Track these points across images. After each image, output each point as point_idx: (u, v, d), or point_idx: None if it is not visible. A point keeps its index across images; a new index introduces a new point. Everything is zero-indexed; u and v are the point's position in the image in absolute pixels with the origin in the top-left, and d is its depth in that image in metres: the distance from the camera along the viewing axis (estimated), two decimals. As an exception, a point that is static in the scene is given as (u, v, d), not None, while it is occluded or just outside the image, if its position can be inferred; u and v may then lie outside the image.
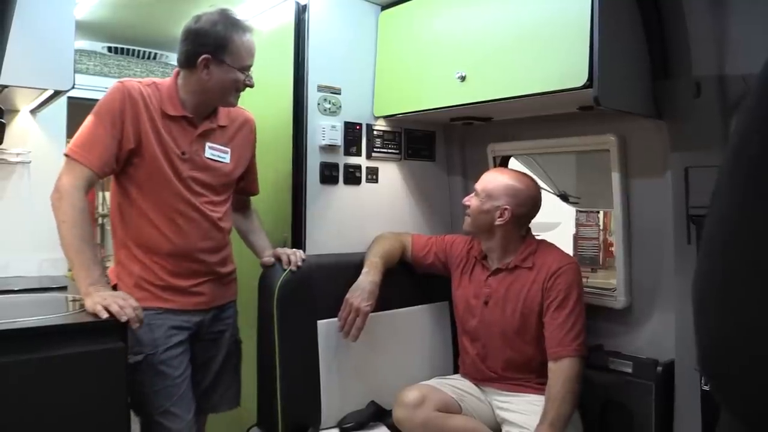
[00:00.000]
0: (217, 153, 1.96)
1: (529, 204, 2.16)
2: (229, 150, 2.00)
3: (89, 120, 1.80)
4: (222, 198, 2.01)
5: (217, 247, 2.00)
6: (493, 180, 2.18)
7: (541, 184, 2.90)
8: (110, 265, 2.11)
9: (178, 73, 1.92)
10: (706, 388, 1.83)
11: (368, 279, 2.13)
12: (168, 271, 1.90)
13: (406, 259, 2.35)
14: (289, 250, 2.11)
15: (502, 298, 2.13)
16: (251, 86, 1.94)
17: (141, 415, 1.88)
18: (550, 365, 1.98)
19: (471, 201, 2.19)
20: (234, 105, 1.97)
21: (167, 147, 1.85)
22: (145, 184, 1.85)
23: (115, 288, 1.85)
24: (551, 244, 2.20)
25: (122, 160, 1.82)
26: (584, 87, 1.71)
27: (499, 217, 2.12)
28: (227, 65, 1.86)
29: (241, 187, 2.13)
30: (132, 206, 1.87)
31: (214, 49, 1.84)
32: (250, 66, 1.92)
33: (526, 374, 2.08)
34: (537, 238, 2.23)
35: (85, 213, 1.74)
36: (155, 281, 1.88)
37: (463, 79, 2.07)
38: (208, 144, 1.94)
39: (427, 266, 2.35)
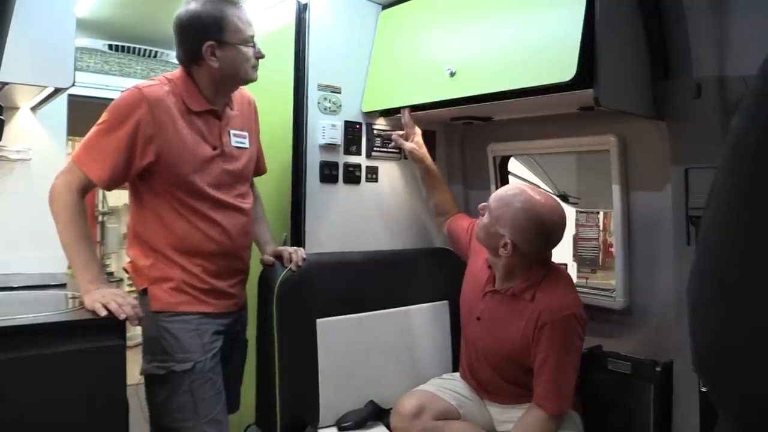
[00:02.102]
0: (240, 139, 1.94)
1: (540, 242, 1.91)
2: (246, 134, 1.98)
3: (98, 125, 1.74)
4: (247, 187, 1.99)
5: (251, 242, 2.00)
6: (504, 204, 1.92)
7: (540, 184, 2.92)
8: (110, 262, 2.11)
9: (186, 71, 1.86)
10: (705, 389, 1.83)
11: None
12: (210, 272, 1.85)
13: (440, 222, 2.41)
14: (290, 249, 2.10)
15: (494, 322, 1.99)
16: (263, 56, 1.90)
17: (183, 425, 1.78)
18: (531, 404, 1.86)
19: (483, 213, 1.99)
20: (255, 79, 1.92)
21: (198, 147, 1.81)
22: (179, 188, 1.79)
23: (145, 292, 1.81)
24: (559, 278, 1.95)
25: (137, 171, 1.76)
26: (573, 82, 1.69)
27: (502, 247, 1.91)
28: (231, 44, 1.81)
29: None
30: (171, 210, 1.80)
31: (213, 33, 1.79)
32: (253, 36, 1.87)
33: (520, 389, 1.97)
34: (551, 263, 2.01)
35: (79, 212, 1.71)
36: (198, 284, 1.83)
37: (452, 74, 2.07)
38: (231, 132, 1.92)
39: (455, 235, 2.33)
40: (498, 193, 1.98)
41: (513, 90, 1.88)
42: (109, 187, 1.78)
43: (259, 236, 2.15)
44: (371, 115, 2.46)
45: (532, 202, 1.89)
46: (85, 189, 1.73)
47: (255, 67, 1.90)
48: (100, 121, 1.74)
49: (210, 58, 1.80)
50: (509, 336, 1.93)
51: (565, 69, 1.69)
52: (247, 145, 1.97)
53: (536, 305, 1.88)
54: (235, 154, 1.91)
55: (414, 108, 2.31)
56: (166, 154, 1.76)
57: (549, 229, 1.91)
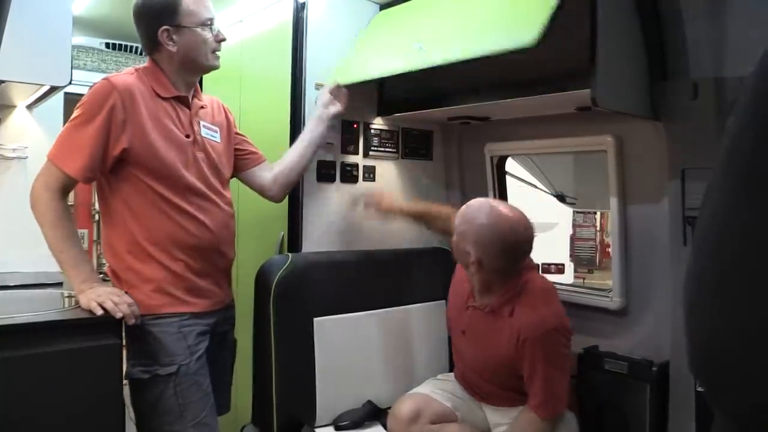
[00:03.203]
0: (209, 132, 1.92)
1: (506, 258, 1.85)
2: (217, 129, 1.96)
3: (72, 120, 1.72)
4: (223, 183, 1.96)
5: (233, 237, 1.97)
6: (467, 220, 1.89)
7: (537, 184, 2.92)
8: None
9: (152, 60, 1.85)
10: (701, 389, 1.83)
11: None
12: (192, 269, 1.81)
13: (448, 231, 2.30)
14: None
15: (477, 337, 1.98)
16: (223, 39, 1.89)
17: (169, 429, 1.75)
18: (525, 407, 1.86)
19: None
20: (217, 66, 1.90)
21: (170, 133, 1.78)
22: (155, 177, 1.75)
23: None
24: (537, 290, 1.89)
25: (113, 161, 1.72)
26: (534, 46, 1.60)
27: (471, 264, 1.87)
28: (187, 27, 1.80)
29: (248, 163, 2.09)
30: (149, 204, 1.75)
31: (167, 17, 1.78)
32: (212, 19, 1.85)
33: (515, 393, 1.95)
34: (532, 273, 1.96)
35: (62, 211, 1.68)
36: (179, 283, 1.79)
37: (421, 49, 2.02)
38: (202, 123, 1.89)
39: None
40: (461, 210, 1.94)
41: (510, 88, 1.88)
42: (87, 179, 1.74)
43: (296, 152, 2.15)
44: (369, 115, 2.47)
45: (493, 217, 1.84)
46: (65, 187, 1.71)
47: (215, 52, 1.88)
48: (72, 116, 1.72)
49: (167, 43, 1.79)
50: (494, 351, 1.91)
51: (527, 32, 1.61)
52: (218, 140, 1.94)
53: (515, 321, 1.85)
54: (206, 144, 1.89)
55: (410, 108, 2.31)
56: (141, 140, 1.73)
57: (513, 245, 1.85)
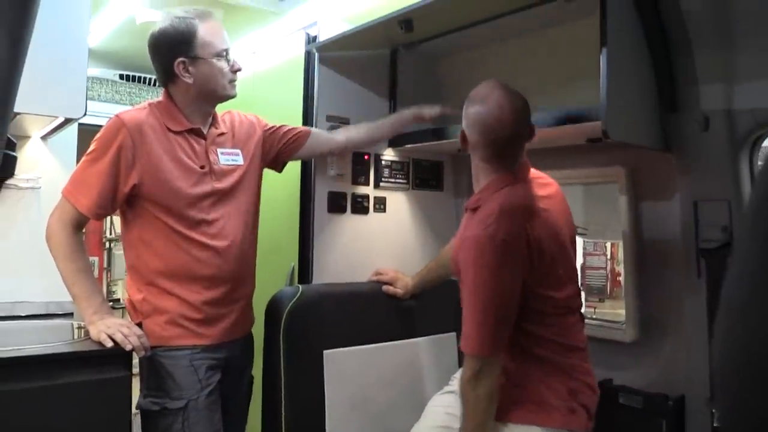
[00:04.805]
0: (230, 157, 1.89)
1: (485, 141, 1.69)
2: (239, 151, 1.93)
3: (85, 157, 1.75)
4: (251, 203, 1.94)
5: (253, 267, 1.96)
6: (472, 90, 1.75)
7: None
8: (116, 289, 2.11)
9: (167, 92, 1.85)
10: (717, 424, 1.80)
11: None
12: (209, 300, 1.80)
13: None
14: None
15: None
16: (239, 69, 1.87)
17: None
18: None
19: None
20: (234, 95, 1.89)
21: (184, 166, 1.78)
22: (167, 211, 1.75)
23: (140, 326, 1.74)
24: (510, 195, 1.67)
25: (123, 198, 1.74)
26: None
27: (460, 137, 1.75)
28: (203, 59, 1.79)
29: (299, 142, 2.07)
30: (161, 236, 1.76)
31: (182, 49, 1.77)
32: (227, 50, 1.84)
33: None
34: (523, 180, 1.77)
35: (75, 245, 1.71)
36: (194, 315, 1.78)
37: None
38: (219, 151, 1.88)
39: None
40: None
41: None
42: (98, 216, 1.76)
43: (383, 127, 2.22)
44: (380, 146, 2.49)
45: (485, 94, 1.69)
46: (79, 222, 1.73)
47: (232, 82, 1.87)
48: (87, 151, 1.75)
49: (183, 74, 1.79)
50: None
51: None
52: (239, 162, 1.91)
53: (472, 221, 1.67)
54: (226, 170, 1.87)
55: (421, 139, 2.32)
56: (152, 175, 1.74)
57: (488, 127, 1.67)
